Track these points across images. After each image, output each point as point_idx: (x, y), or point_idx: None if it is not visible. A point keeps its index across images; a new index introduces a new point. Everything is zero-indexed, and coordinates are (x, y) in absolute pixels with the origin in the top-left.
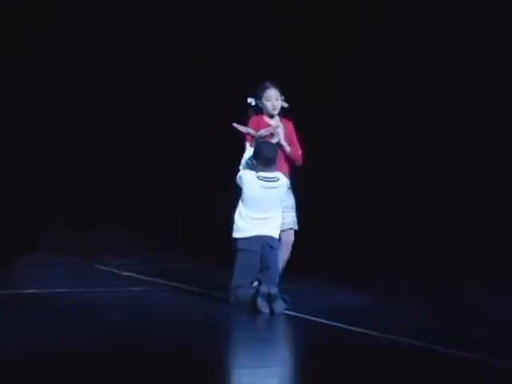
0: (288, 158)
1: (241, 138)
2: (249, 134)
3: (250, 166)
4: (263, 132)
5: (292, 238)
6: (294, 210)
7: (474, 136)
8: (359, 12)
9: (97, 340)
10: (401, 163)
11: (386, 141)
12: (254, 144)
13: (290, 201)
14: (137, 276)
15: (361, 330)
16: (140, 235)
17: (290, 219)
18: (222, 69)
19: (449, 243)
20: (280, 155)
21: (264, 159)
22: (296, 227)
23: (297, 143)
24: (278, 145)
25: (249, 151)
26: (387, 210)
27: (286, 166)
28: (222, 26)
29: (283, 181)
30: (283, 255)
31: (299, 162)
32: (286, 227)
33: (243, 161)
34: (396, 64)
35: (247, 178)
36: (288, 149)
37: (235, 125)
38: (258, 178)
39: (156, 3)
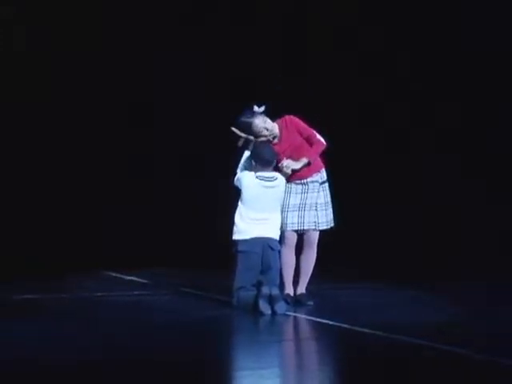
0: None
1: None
2: (247, 138)
3: (247, 168)
4: (262, 137)
5: (316, 237)
6: (326, 208)
7: None
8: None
9: (96, 342)
10: None
11: None
12: (251, 147)
13: (322, 198)
14: (139, 280)
15: (363, 329)
16: (141, 240)
17: (321, 219)
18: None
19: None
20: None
21: (264, 161)
22: (319, 228)
23: (312, 134)
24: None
25: (246, 155)
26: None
27: (318, 163)
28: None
29: (281, 180)
30: (309, 257)
31: (324, 148)
32: (311, 226)
33: (240, 164)
34: None
35: (246, 178)
36: (306, 161)
37: (234, 129)
38: (257, 177)
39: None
